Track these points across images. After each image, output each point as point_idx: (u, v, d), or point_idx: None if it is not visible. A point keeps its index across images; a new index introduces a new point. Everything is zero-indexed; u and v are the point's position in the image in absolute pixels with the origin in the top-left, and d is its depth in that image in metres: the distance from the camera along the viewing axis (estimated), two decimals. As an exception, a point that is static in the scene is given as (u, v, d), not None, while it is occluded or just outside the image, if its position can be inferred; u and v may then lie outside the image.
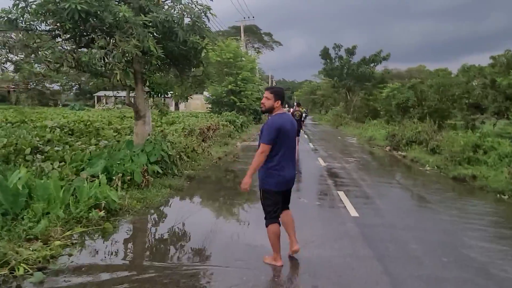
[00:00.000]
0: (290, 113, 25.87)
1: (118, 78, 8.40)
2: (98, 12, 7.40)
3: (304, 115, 22.16)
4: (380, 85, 36.94)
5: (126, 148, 9.41)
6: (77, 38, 8.07)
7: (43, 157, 9.47)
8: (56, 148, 10.21)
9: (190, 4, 9.09)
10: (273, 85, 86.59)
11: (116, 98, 11.75)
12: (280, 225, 4.38)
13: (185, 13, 8.86)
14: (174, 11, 8.85)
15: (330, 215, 6.82)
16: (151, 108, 11.51)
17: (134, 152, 9.00)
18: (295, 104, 23.12)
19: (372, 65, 36.76)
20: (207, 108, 30.88)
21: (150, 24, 8.27)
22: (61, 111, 28.08)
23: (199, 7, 8.95)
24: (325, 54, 38.25)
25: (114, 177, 7.61)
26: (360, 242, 5.26)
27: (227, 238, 5.32)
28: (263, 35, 78.58)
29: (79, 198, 6.02)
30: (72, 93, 71.64)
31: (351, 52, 37.04)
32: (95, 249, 4.76)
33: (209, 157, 12.61)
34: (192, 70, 10.59)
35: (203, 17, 9.15)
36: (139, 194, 7.34)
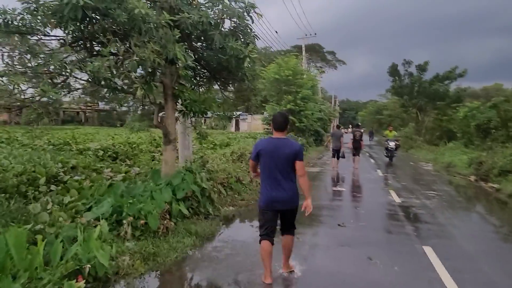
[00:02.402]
0: (352, 132, 23.57)
1: (138, 94, 6.76)
2: (109, 9, 5.81)
3: (368, 136, 20.92)
4: (455, 104, 33.50)
5: (151, 180, 7.71)
6: (87, 44, 6.51)
7: (59, 188, 8.06)
8: (76, 177, 8.77)
9: (230, 4, 7.34)
10: (337, 105, 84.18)
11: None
12: (272, 244, 4.70)
13: (224, 14, 7.10)
14: (211, 11, 7.11)
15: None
16: (193, 129, 9.88)
17: (159, 185, 7.27)
18: (356, 124, 20.92)
19: (446, 82, 33.39)
20: (264, 129, 29.11)
21: (178, 25, 6.62)
22: (116, 132, 27.42)
23: (240, 4, 7.15)
24: (393, 71, 35.37)
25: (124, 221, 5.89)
26: None
27: None
28: (326, 54, 76.54)
29: (52, 260, 4.27)
30: (137, 113, 73.07)
31: (422, 68, 33.91)
32: None
33: (257, 188, 10.66)
34: (236, 84, 8.82)
35: (246, 17, 7.36)
36: (152, 247, 5.51)
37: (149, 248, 5.43)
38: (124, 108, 53.54)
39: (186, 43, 7.72)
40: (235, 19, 7.28)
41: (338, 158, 16.95)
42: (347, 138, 20.66)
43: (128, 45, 5.91)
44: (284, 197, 4.57)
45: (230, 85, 8.94)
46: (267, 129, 28.06)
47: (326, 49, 75.53)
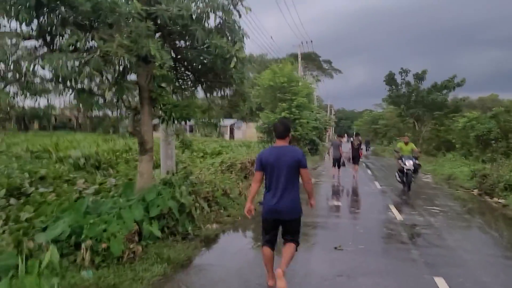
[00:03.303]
0: (350, 141, 22.85)
1: (107, 96, 5.90)
2: (69, -4, 4.95)
3: (364, 146, 19.62)
4: (453, 114, 32.81)
5: (123, 194, 6.81)
6: (47, 37, 5.62)
7: (20, 201, 7.15)
8: (42, 190, 7.86)
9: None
10: (332, 114, 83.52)
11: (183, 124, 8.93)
12: (272, 250, 4.75)
13: (208, 7, 6.26)
14: (194, 4, 6.25)
15: None
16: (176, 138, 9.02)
17: (131, 200, 6.37)
18: (355, 133, 20.56)
19: (444, 92, 32.68)
20: (258, 137, 28.24)
21: (154, 18, 5.79)
22: (108, 138, 26.31)
23: (226, -4, 6.33)
24: (390, 79, 34.65)
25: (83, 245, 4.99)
26: None
27: None
28: (322, 63, 75.96)
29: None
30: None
31: (420, 77, 33.18)
32: None
33: (245, 201, 9.77)
34: (222, 88, 7.95)
35: (232, 12, 6.53)
36: (113, 277, 4.60)
37: (109, 279, 4.52)
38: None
39: (165, 40, 6.92)
40: (220, 13, 6.46)
41: (339, 167, 16.91)
42: (345, 147, 19.80)
43: (91, 38, 5.05)
44: (285, 208, 4.54)
45: (217, 89, 8.07)
46: (261, 137, 27.21)
47: (322, 57, 74.95)
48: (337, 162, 16.85)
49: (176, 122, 7.31)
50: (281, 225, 4.71)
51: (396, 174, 14.38)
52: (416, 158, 13.60)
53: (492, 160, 21.03)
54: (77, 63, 5.14)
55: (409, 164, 13.20)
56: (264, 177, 4.72)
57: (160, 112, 7.13)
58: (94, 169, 12.56)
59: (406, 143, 14.11)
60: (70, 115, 58.85)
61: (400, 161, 13.70)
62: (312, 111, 29.08)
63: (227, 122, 63.83)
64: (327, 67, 78.07)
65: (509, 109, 24.39)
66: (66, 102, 7.06)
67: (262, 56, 48.98)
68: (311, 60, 68.86)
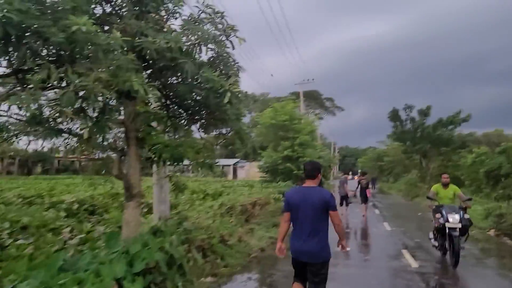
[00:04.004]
0: (356, 180, 22.19)
1: (85, 136, 5.31)
2: (42, 27, 4.44)
3: (370, 184, 19.02)
4: (461, 150, 32.13)
5: (106, 246, 6.10)
6: (19, 73, 5.08)
7: (-6, 254, 6.45)
8: (21, 241, 7.17)
9: (210, 30, 6.01)
10: (336, 151, 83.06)
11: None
12: (303, 286, 4.71)
13: (198, 39, 5.76)
14: (183, 37, 5.76)
15: None
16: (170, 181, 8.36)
17: (114, 253, 5.65)
18: (359, 172, 20.18)
19: (450, 127, 32.12)
20: (260, 177, 27.52)
21: (140, 51, 5.29)
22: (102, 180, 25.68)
23: (218, 26, 5.84)
24: (394, 116, 34.18)
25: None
26: None
27: None
28: (325, 100, 76.18)
29: None
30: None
31: (424, 113, 32.71)
32: None
33: (246, 248, 8.99)
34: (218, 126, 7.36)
35: (225, 43, 6.04)
36: None
37: None
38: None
39: (155, 76, 6.41)
40: (212, 45, 5.96)
41: (347, 205, 16.29)
42: (351, 184, 19.12)
43: (63, 72, 4.49)
44: (310, 251, 4.48)
45: (211, 127, 7.49)
46: (263, 177, 26.49)
47: (324, 95, 75.23)
48: (344, 200, 16.34)
49: (167, 163, 6.69)
50: (307, 267, 4.57)
51: (431, 235, 9.59)
52: (465, 210, 8.57)
53: (504, 197, 20.21)
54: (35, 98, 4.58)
55: (453, 219, 8.19)
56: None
57: (149, 153, 6.53)
58: (88, 215, 11.88)
59: (446, 185, 9.14)
60: (73, 157, 58.59)
61: (438, 214, 8.63)
62: (316, 149, 28.48)
63: (230, 161, 63.38)
64: (329, 105, 78.28)
65: (519, 143, 23.76)
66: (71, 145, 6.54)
67: (264, 95, 48.98)
68: (313, 98, 69.08)
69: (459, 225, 8.16)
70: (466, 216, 8.41)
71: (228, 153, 57.49)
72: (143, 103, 5.33)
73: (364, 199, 17.27)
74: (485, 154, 24.35)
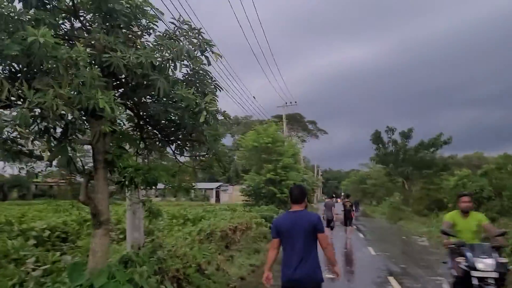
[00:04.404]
0: (340, 203, 22.04)
1: (45, 158, 4.86)
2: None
3: (353, 207, 19.06)
4: (443, 172, 32.20)
5: (69, 279, 5.57)
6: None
7: None
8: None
9: (184, 45, 5.68)
10: (319, 174, 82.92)
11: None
12: None
13: (171, 54, 5.41)
14: (156, 53, 5.40)
15: None
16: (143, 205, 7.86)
17: (78, 286, 5.14)
18: (342, 195, 20.37)
19: (432, 150, 32.29)
20: (242, 200, 26.99)
21: (108, 66, 4.91)
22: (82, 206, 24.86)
23: (193, 40, 5.51)
24: (376, 138, 34.26)
25: None
26: None
27: None
28: (307, 123, 76.47)
29: None
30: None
31: (406, 135, 32.88)
32: None
33: (225, 278, 8.49)
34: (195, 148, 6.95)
35: (201, 59, 5.70)
36: None
37: None
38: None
39: (126, 94, 6.03)
40: (187, 61, 5.62)
41: (332, 229, 16.79)
42: (338, 207, 18.92)
43: (17, 88, 4.07)
44: (304, 276, 4.36)
45: (188, 148, 7.08)
46: (246, 201, 25.96)
47: (307, 118, 75.55)
48: (330, 224, 16.67)
49: (140, 187, 6.25)
50: None
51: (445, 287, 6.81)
52: (499, 250, 5.69)
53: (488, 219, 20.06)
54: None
55: (484, 265, 5.36)
56: (281, 244, 4.58)
57: (119, 176, 6.07)
58: (60, 242, 11.25)
59: (466, 213, 6.18)
60: (51, 182, 57.15)
61: (459, 258, 5.80)
62: (299, 172, 28.15)
63: (213, 185, 62.69)
64: (312, 128, 78.57)
65: (500, 166, 23.84)
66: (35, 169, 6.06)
67: (247, 118, 48.78)
68: (296, 121, 69.31)
69: (494, 274, 5.28)
70: (502, 259, 5.49)
71: (211, 176, 56.86)
72: (109, 122, 4.88)
73: (349, 222, 17.28)
74: (468, 177, 24.28)
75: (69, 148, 5.21)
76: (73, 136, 5.18)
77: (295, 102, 38.84)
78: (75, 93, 4.40)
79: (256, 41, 54.68)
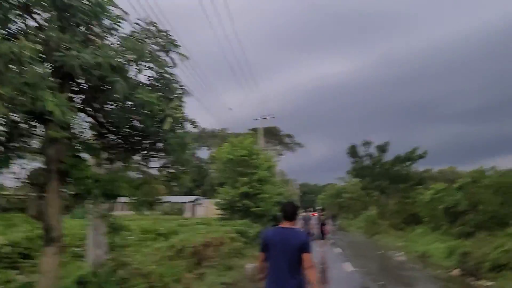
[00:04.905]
0: (316, 216, 21.73)
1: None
2: None
3: (330, 220, 19.11)
4: (418, 186, 32.31)
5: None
6: None
7: None
8: None
9: (148, 46, 5.25)
10: (296, 188, 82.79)
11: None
12: None
13: (134, 55, 4.97)
14: (116, 53, 4.94)
15: None
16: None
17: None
18: (321, 208, 20.33)
19: (407, 163, 32.42)
20: (217, 214, 26.36)
21: (61, 66, 4.43)
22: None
23: (158, 41, 5.09)
24: (353, 152, 34.27)
25: None
26: None
27: None
28: (284, 137, 76.39)
29: None
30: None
31: (382, 149, 32.98)
32: None
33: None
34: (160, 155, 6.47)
35: (166, 62, 5.27)
36: None
37: None
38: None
39: (86, 100, 5.55)
40: (151, 64, 5.18)
41: None
42: (314, 221, 18.65)
43: None
44: None
45: (153, 158, 6.60)
46: (220, 215, 25.34)
47: (284, 132, 75.48)
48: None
49: (95, 201, 5.73)
50: None
51: None
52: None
53: (464, 234, 19.99)
54: None
55: None
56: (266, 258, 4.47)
57: (76, 188, 5.55)
58: (22, 259, 10.52)
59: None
60: (20, 195, 55.09)
61: None
62: (275, 185, 27.72)
63: (188, 198, 61.61)
64: (289, 141, 78.46)
65: (475, 180, 23.92)
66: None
67: (223, 131, 48.36)
68: (273, 134, 69.07)
69: None
70: None
71: (187, 189, 55.91)
72: (59, 127, 4.38)
73: (323, 235, 17.25)
74: (444, 191, 24.31)
75: (15, 156, 4.68)
76: (19, 143, 4.66)
77: (272, 115, 38.70)
78: (19, 93, 3.91)
79: (234, 54, 54.58)
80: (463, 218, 22.25)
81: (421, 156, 32.11)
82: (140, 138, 6.19)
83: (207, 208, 58.52)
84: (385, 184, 32.91)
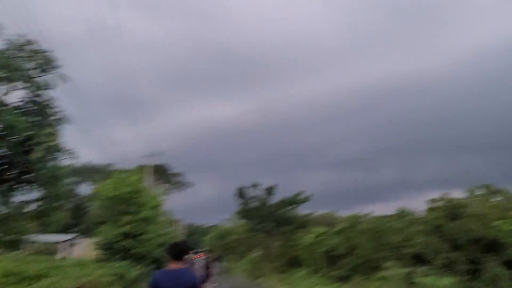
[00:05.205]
0: (201, 258, 21.26)
1: None
2: None
3: (216, 262, 18.86)
4: (301, 229, 33.54)
5: None
6: None
7: None
8: None
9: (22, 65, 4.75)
10: (183, 228, 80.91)
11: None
12: None
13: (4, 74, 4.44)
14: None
15: None
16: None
17: None
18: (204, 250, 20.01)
19: (292, 206, 33.64)
20: (97, 255, 24.47)
21: None
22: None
23: (33, 58, 4.64)
24: (241, 193, 34.71)
25: None
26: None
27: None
28: (174, 175, 75.05)
29: None
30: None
31: (270, 192, 33.90)
32: None
33: None
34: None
35: (42, 84, 4.82)
36: None
37: None
38: None
39: None
40: (24, 84, 4.69)
41: None
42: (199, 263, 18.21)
43: None
44: None
45: (21, 190, 5.90)
46: (100, 256, 23.56)
47: (174, 170, 74.21)
48: None
49: None
50: None
51: None
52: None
53: (342, 277, 20.96)
54: None
55: None
56: None
57: None
58: None
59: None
60: None
61: None
62: (160, 225, 26.72)
63: (65, 237, 56.77)
64: (178, 180, 77.16)
65: (353, 224, 25.43)
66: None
67: (108, 166, 45.98)
68: (162, 172, 67.46)
69: None
70: None
71: (63, 227, 51.51)
72: None
73: (208, 277, 17.05)
74: (324, 234, 25.46)
75: None
76: None
77: (161, 153, 37.92)
78: None
79: (129, 88, 53.11)
80: (341, 261, 23.44)
81: (305, 200, 33.57)
82: (6, 166, 5.52)
83: (85, 248, 54.39)
84: (271, 226, 33.61)
